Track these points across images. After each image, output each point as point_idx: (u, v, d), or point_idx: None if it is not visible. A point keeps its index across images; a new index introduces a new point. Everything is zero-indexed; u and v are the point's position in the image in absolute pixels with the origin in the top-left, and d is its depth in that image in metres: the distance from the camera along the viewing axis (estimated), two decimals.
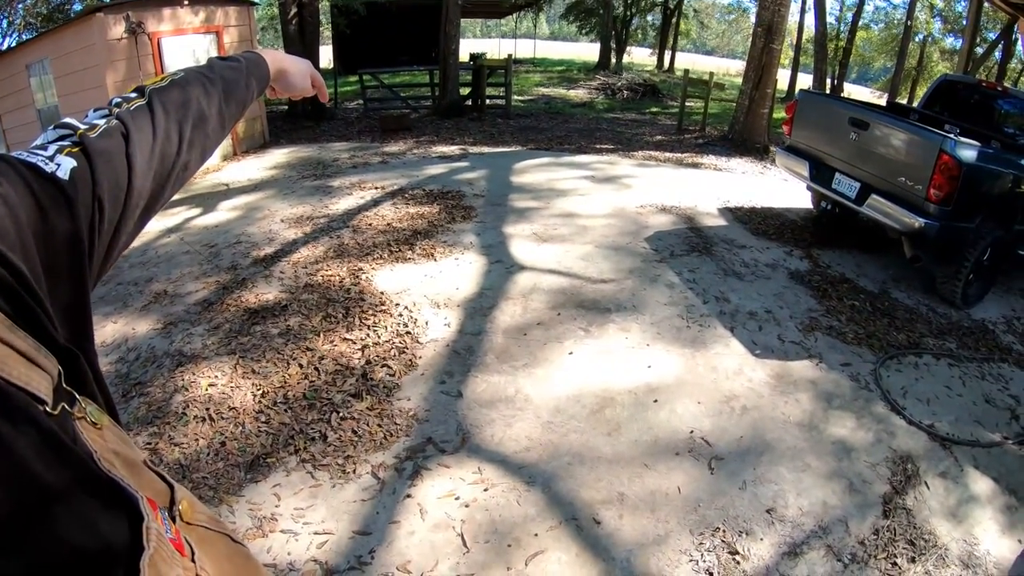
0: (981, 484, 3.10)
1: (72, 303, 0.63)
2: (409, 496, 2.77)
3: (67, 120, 0.73)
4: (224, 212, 6.52)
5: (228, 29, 9.08)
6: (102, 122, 0.73)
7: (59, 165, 0.64)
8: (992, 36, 19.80)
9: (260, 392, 3.46)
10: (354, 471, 2.91)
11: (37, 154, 0.65)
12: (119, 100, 0.79)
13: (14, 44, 14.01)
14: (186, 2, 8.18)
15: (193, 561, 0.63)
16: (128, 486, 0.58)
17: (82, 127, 0.71)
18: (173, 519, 0.65)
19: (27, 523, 0.46)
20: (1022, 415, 3.64)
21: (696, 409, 3.43)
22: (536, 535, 2.60)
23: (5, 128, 8.85)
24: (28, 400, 0.50)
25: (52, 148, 0.67)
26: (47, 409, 0.51)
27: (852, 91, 26.23)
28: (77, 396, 0.58)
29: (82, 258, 0.64)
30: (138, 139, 0.74)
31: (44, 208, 0.60)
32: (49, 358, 0.54)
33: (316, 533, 2.58)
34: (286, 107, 12.96)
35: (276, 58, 1.12)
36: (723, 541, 2.63)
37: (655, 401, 3.47)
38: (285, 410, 3.32)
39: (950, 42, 25.31)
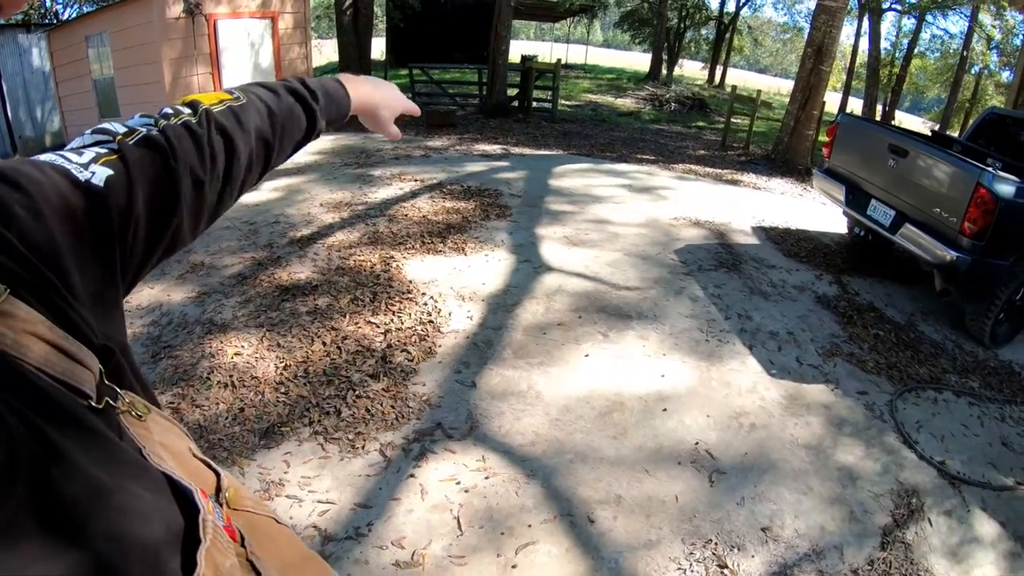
0: (987, 527, 3.05)
1: (104, 306, 0.63)
2: (412, 476, 2.86)
3: (105, 126, 0.70)
4: (266, 192, 6.72)
5: (283, 15, 9.34)
6: (143, 130, 0.71)
7: (93, 174, 0.62)
8: None
9: (283, 365, 3.59)
10: (363, 447, 3.02)
11: (71, 160, 0.63)
12: (170, 112, 0.75)
13: (75, 15, 14.58)
14: None
15: (244, 546, 0.66)
16: (181, 479, 0.59)
17: (120, 132, 0.69)
18: (220, 505, 0.68)
19: (85, 517, 0.47)
20: None
21: (704, 422, 3.45)
22: (530, 526, 2.66)
23: (61, 95, 9.19)
24: (71, 396, 0.51)
25: (88, 154, 0.65)
26: (91, 403, 0.53)
27: (903, 120, 25.68)
28: (119, 391, 0.59)
29: (113, 266, 0.63)
30: (181, 156, 0.71)
31: (76, 215, 0.59)
32: (90, 356, 0.55)
33: (319, 501, 2.69)
34: None
35: (363, 96, 1.03)
36: (714, 553, 2.65)
37: (664, 410, 3.51)
38: (304, 384, 3.44)
39: (1006, 76, 24.57)
